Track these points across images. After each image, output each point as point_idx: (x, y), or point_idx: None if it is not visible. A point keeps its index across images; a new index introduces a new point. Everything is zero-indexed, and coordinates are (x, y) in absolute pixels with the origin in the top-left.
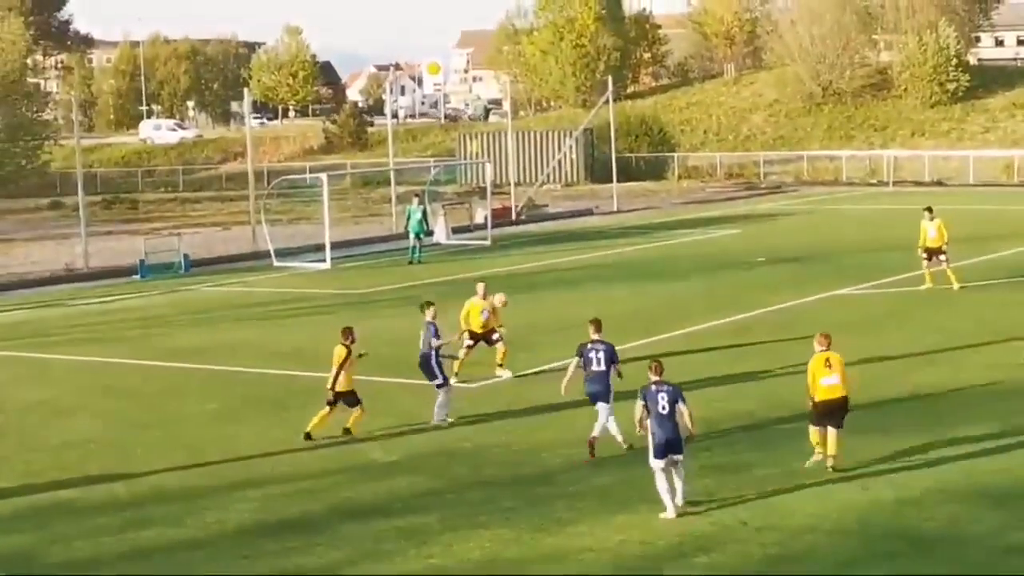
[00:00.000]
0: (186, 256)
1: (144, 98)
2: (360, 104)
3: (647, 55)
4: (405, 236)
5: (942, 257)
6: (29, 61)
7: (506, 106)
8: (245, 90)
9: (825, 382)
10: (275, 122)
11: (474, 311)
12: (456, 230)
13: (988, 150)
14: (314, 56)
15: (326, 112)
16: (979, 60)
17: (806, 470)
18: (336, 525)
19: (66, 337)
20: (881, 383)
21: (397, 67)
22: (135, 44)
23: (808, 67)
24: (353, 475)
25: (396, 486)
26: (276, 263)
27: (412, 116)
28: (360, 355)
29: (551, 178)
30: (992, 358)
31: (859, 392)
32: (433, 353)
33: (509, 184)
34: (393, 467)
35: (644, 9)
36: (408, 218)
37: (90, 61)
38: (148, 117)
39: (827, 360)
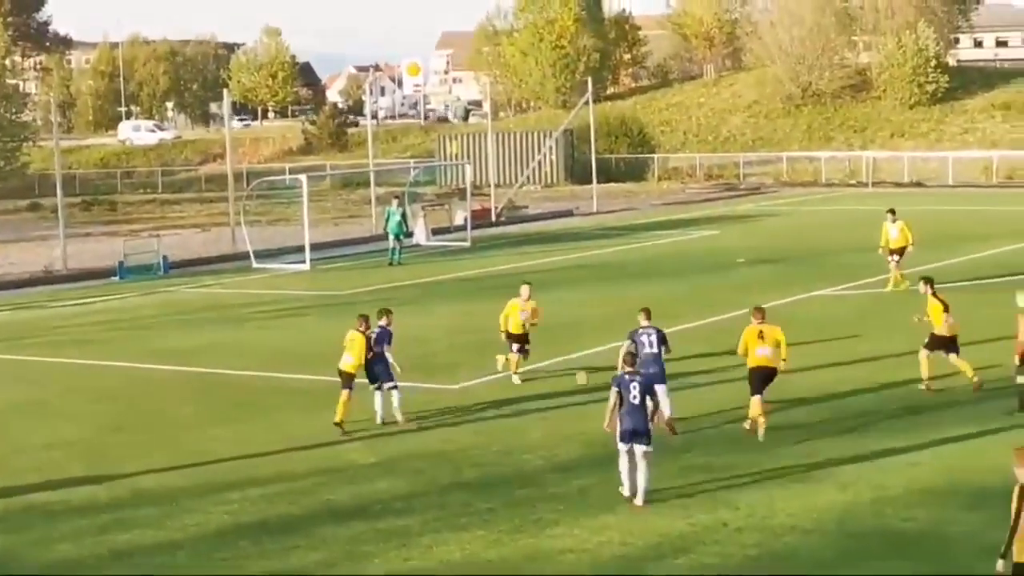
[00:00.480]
0: (165, 258)
1: (123, 99)
2: (340, 105)
3: (627, 56)
4: (385, 237)
5: (897, 257)
6: (7, 62)
7: (486, 107)
8: (224, 91)
9: (759, 352)
10: (254, 123)
11: (513, 312)
12: (436, 231)
13: (967, 151)
14: (293, 57)
15: (305, 113)
16: (958, 61)
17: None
18: (316, 527)
19: (45, 339)
20: (860, 383)
21: (377, 68)
22: (114, 45)
23: (787, 68)
24: (333, 477)
25: (376, 488)
26: (256, 264)
27: (392, 117)
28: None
29: (531, 179)
30: (970, 358)
31: (838, 392)
32: (388, 357)
33: (489, 185)
34: (373, 469)
35: (624, 10)
36: (387, 219)
37: (69, 62)
38: (127, 118)
39: (760, 332)
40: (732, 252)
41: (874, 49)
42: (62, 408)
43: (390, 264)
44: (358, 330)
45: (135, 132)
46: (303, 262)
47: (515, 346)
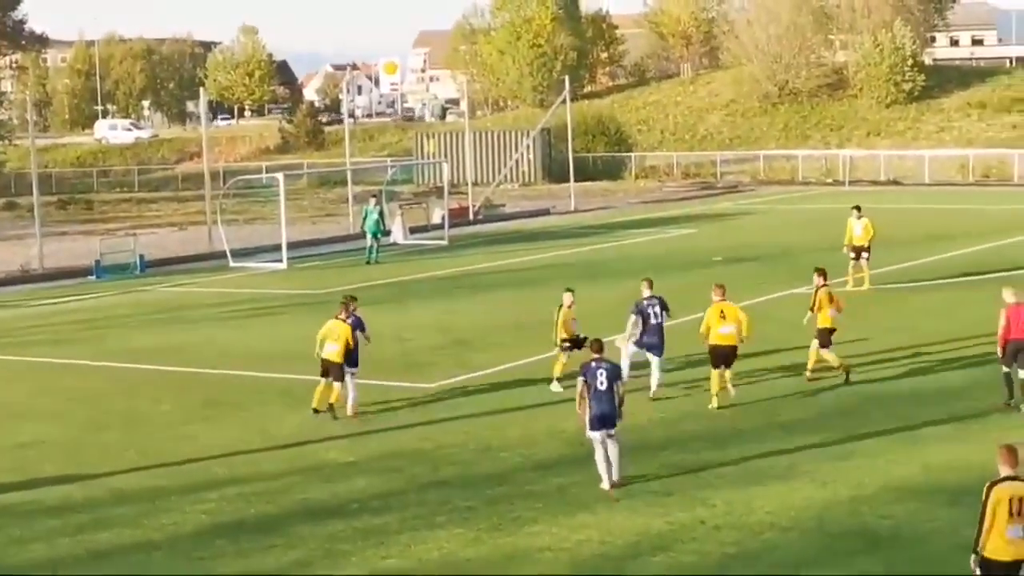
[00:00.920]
0: (142, 257)
1: (99, 98)
2: (316, 104)
3: (604, 55)
4: (362, 236)
5: (864, 255)
6: None
7: (463, 106)
8: (201, 90)
9: (722, 330)
10: (231, 122)
11: (567, 320)
12: (413, 230)
13: (943, 149)
14: (270, 55)
15: (282, 112)
16: (934, 60)
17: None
18: (293, 526)
19: (21, 338)
20: (837, 381)
21: (354, 67)
22: (90, 43)
23: (764, 67)
24: (310, 476)
25: (354, 487)
26: (232, 263)
27: (369, 116)
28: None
29: (508, 178)
30: (946, 356)
31: (815, 390)
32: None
33: (466, 184)
34: (351, 468)
35: (601, 9)
36: (365, 218)
37: (45, 61)
38: (103, 117)
39: (722, 311)
40: (709, 250)
41: (851, 48)
42: (37, 408)
43: (367, 263)
44: (338, 317)
45: (111, 131)
46: (280, 261)
47: (571, 348)
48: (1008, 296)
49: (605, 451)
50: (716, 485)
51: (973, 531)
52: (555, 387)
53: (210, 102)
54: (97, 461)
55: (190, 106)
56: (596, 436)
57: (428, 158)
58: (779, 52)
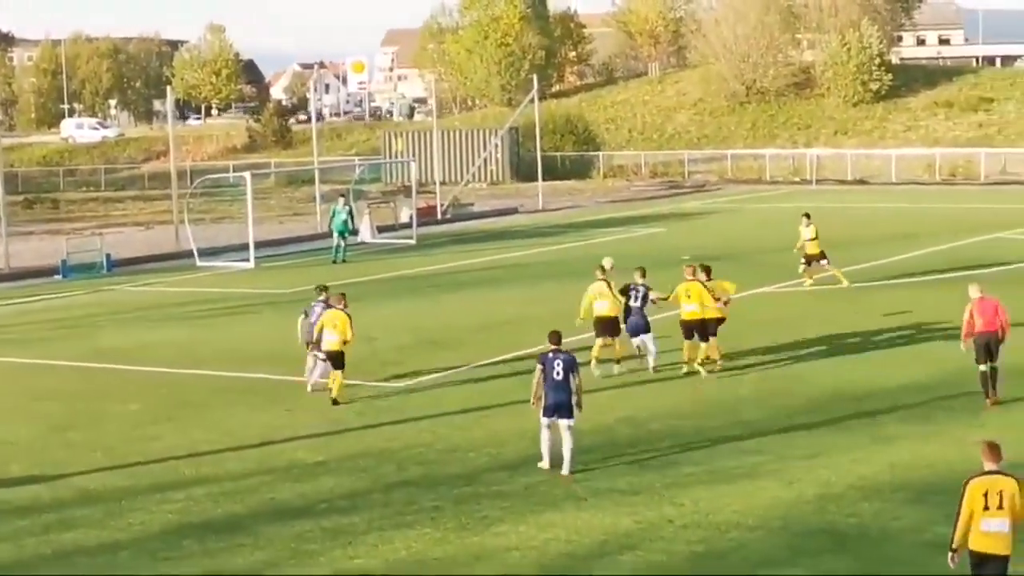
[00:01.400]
0: (108, 256)
1: (66, 97)
2: (284, 103)
3: (572, 54)
4: (330, 235)
5: (823, 261)
6: None
7: (431, 105)
8: (168, 88)
9: (686, 308)
10: (198, 120)
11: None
12: (381, 229)
13: (910, 148)
14: (237, 54)
15: (249, 111)
16: (901, 59)
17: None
18: (261, 526)
19: None
20: (803, 380)
21: (321, 65)
22: (56, 42)
23: (732, 66)
24: (278, 475)
25: (321, 486)
26: (199, 263)
27: (337, 115)
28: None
29: (476, 177)
30: (912, 355)
31: (782, 389)
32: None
33: (434, 183)
34: (318, 467)
35: (569, 8)
36: (332, 217)
37: (11, 59)
38: (70, 116)
39: (688, 291)
40: (677, 249)
41: (818, 47)
42: (3, 408)
43: (334, 262)
44: (331, 305)
45: (78, 130)
46: (247, 260)
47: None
48: (973, 292)
49: (551, 435)
50: (683, 484)
51: (940, 529)
52: (595, 370)
53: (178, 101)
54: (64, 461)
55: (157, 105)
56: (545, 421)
57: (396, 157)
58: (747, 51)
